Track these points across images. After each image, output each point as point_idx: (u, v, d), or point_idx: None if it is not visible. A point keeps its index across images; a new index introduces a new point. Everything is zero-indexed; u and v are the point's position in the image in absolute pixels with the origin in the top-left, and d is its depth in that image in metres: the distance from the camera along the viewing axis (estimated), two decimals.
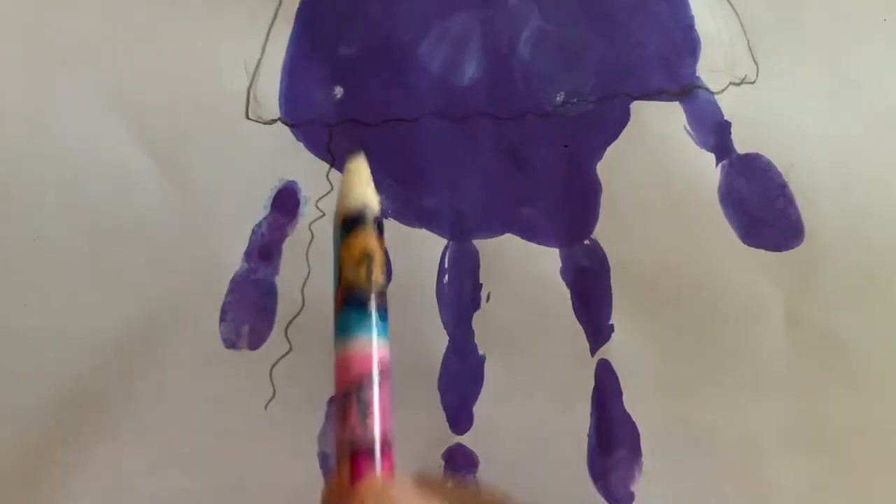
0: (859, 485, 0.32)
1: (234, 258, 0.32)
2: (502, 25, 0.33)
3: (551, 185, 0.33)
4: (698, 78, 0.33)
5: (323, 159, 0.33)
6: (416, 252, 0.33)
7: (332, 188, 0.32)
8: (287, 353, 0.32)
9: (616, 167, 0.33)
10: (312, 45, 0.33)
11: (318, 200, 0.33)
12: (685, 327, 0.32)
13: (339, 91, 0.33)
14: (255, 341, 0.32)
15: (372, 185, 0.25)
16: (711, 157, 0.33)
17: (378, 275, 0.24)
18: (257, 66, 0.33)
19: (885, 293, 0.32)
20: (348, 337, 0.23)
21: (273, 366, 0.32)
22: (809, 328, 0.32)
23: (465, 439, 0.33)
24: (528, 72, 0.33)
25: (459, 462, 0.33)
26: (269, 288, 0.32)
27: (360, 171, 0.25)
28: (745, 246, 0.32)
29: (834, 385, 0.32)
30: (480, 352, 0.33)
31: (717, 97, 0.33)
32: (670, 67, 0.33)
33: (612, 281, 0.33)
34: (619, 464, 0.32)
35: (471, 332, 0.33)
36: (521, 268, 0.33)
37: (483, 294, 0.33)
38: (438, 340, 0.33)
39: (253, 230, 0.32)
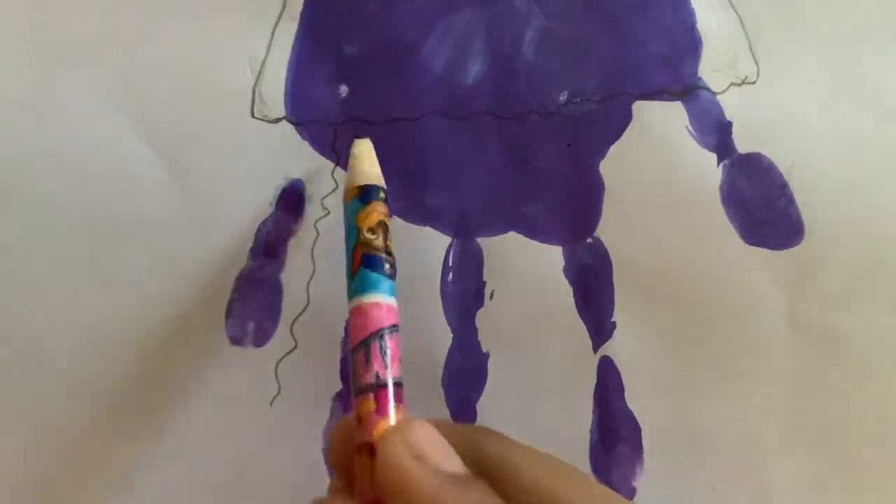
0: (859, 483, 0.32)
1: (239, 256, 0.32)
2: (506, 24, 0.33)
3: (554, 184, 0.33)
4: (700, 78, 0.33)
5: (328, 158, 0.33)
6: (421, 250, 0.33)
7: (336, 186, 0.33)
8: (292, 349, 0.32)
9: (619, 166, 0.33)
10: (318, 44, 0.33)
11: (323, 198, 0.33)
12: (686, 325, 0.33)
13: (343, 90, 0.33)
14: (261, 338, 0.32)
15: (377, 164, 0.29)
16: (713, 156, 0.33)
17: (389, 241, 0.27)
18: (262, 64, 0.33)
19: (885, 292, 0.32)
20: (367, 293, 0.26)
21: (278, 363, 0.32)
22: (810, 326, 0.33)
23: None
24: (531, 71, 0.33)
25: None
26: (274, 285, 0.33)
27: (370, 150, 0.29)
28: (747, 245, 0.33)
29: (834, 382, 0.32)
30: (484, 349, 0.33)
31: (718, 97, 0.33)
32: (672, 67, 0.33)
33: (615, 279, 0.33)
34: (621, 460, 0.33)
35: (474, 330, 0.33)
36: (525, 266, 0.33)
37: (487, 292, 0.33)
38: (442, 337, 0.33)
39: (258, 228, 0.32)
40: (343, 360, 0.33)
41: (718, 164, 0.33)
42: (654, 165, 0.33)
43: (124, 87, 0.32)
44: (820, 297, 0.32)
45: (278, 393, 0.32)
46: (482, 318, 0.33)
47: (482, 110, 0.33)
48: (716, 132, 0.33)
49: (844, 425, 0.32)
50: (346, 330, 0.32)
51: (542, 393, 0.33)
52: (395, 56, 0.33)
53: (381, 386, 0.25)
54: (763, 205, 0.33)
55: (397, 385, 0.26)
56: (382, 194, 0.28)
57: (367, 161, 0.29)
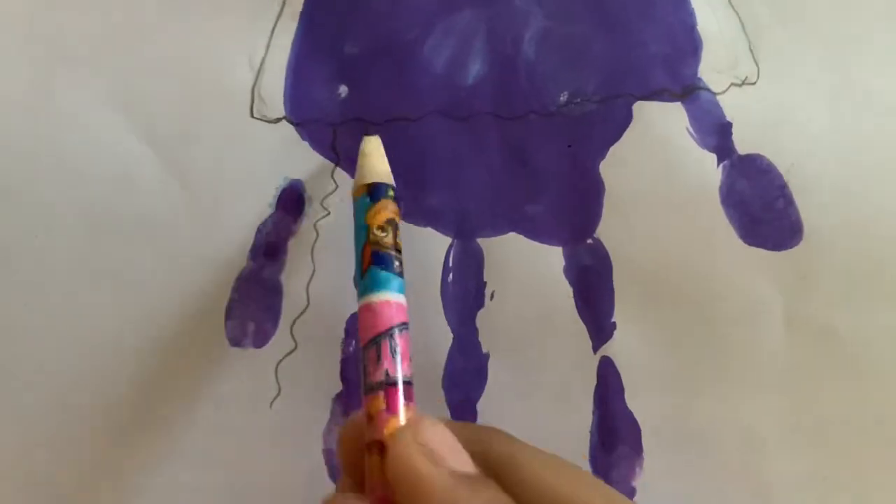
0: (859, 482, 0.32)
1: (239, 257, 0.32)
2: (506, 24, 0.33)
3: (555, 185, 0.33)
4: (700, 79, 0.33)
5: (328, 158, 0.33)
6: (421, 250, 0.33)
7: (336, 187, 0.33)
8: (292, 350, 0.32)
9: (619, 167, 0.33)
10: (317, 44, 0.33)
11: (322, 199, 0.33)
12: (686, 325, 0.33)
13: (343, 90, 0.33)
14: (261, 339, 0.32)
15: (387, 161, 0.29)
16: (713, 157, 0.33)
17: (399, 239, 0.28)
18: (262, 64, 0.33)
19: (884, 292, 0.32)
20: (377, 291, 0.27)
21: (278, 364, 0.32)
22: (808, 326, 0.33)
23: None
24: (531, 71, 0.33)
25: None
26: (274, 286, 0.33)
27: (379, 147, 0.29)
28: (746, 245, 0.33)
29: (833, 382, 0.32)
30: (484, 349, 0.33)
31: (718, 98, 0.33)
32: (672, 68, 0.33)
33: (615, 279, 0.33)
34: (621, 460, 0.33)
35: (475, 330, 0.33)
36: (525, 266, 0.33)
37: (487, 292, 0.33)
38: (442, 338, 0.33)
39: (258, 229, 0.32)
40: (343, 361, 0.33)
41: (718, 164, 0.33)
42: (655, 166, 0.33)
43: (124, 87, 0.32)
44: (819, 297, 0.33)
45: (278, 394, 0.32)
46: (482, 319, 0.33)
47: (482, 110, 0.33)
48: (716, 133, 0.33)
49: (844, 425, 0.32)
50: (347, 331, 0.32)
51: (542, 393, 0.33)
52: (395, 56, 0.33)
53: (391, 384, 0.25)
54: (762, 205, 0.33)
55: (407, 383, 0.26)
56: (392, 192, 0.28)
57: (376, 158, 0.29)
